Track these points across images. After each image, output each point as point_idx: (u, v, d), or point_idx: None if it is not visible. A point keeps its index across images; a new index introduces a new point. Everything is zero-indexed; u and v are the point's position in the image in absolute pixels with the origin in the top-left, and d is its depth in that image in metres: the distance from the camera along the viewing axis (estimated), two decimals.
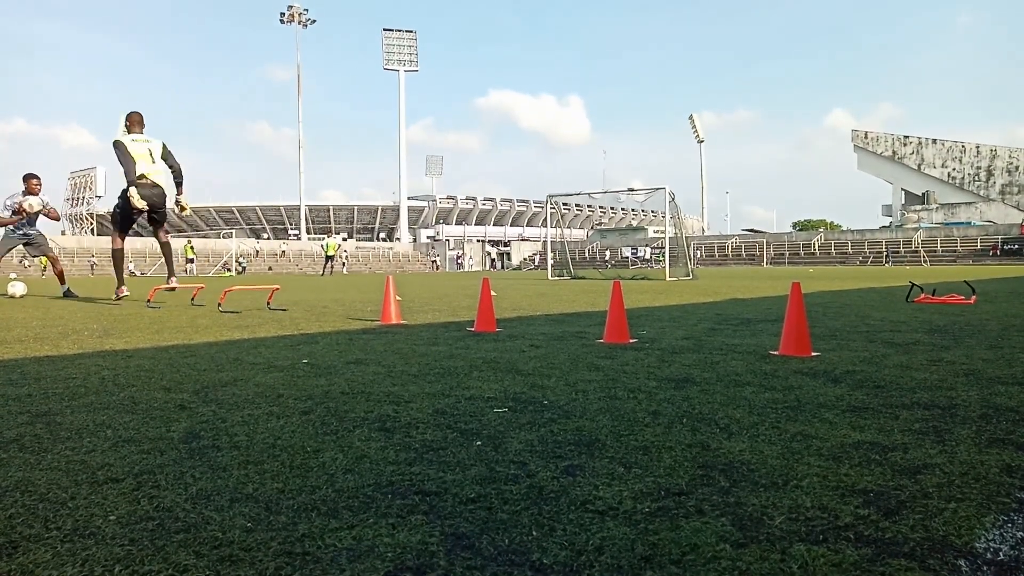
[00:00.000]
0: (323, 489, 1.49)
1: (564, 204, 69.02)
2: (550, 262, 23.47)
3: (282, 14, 74.65)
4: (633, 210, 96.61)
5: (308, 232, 77.05)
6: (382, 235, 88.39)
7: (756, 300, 8.23)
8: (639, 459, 1.70)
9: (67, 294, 9.75)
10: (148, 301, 8.18)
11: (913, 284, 8.41)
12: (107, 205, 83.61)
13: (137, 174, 7.26)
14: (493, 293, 8.19)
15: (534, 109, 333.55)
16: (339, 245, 40.97)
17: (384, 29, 79.51)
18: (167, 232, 8.17)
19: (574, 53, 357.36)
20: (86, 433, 1.98)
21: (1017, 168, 67.69)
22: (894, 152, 75.25)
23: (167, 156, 7.60)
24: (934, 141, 73.21)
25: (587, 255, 57.16)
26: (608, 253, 58.74)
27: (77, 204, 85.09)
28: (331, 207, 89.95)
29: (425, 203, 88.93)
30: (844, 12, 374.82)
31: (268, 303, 7.31)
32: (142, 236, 40.36)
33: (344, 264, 46.01)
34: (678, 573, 1.10)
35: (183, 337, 4.49)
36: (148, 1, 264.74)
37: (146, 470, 1.63)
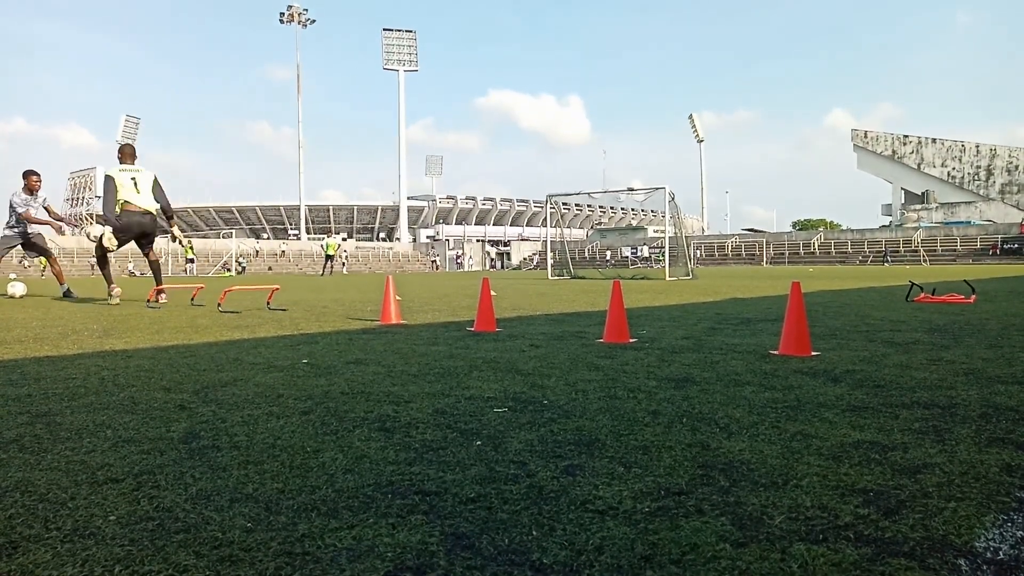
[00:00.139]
0: (323, 489, 1.49)
1: (564, 204, 69.02)
2: (550, 262, 23.47)
3: (282, 14, 74.71)
4: (633, 210, 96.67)
5: (308, 232, 77.05)
6: (382, 235, 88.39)
7: (756, 300, 8.24)
8: (639, 459, 1.70)
9: (66, 294, 9.75)
10: (148, 301, 8.19)
11: (913, 283, 8.41)
12: None
13: (122, 202, 7.77)
14: (493, 293, 8.20)
15: (534, 109, 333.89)
16: (339, 245, 40.96)
17: (384, 29, 79.60)
18: (156, 252, 8.66)
19: (574, 53, 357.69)
20: (86, 433, 1.98)
21: (1017, 167, 67.69)
22: (894, 151, 75.27)
23: (156, 188, 8.07)
24: (934, 140, 73.22)
25: (587, 255, 57.16)
26: (608, 253, 58.76)
27: (77, 204, 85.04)
28: (331, 207, 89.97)
29: (425, 203, 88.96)
30: (844, 12, 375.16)
31: (268, 303, 7.31)
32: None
33: (344, 264, 46.01)
34: (678, 573, 1.10)
35: (183, 337, 4.49)
36: (148, 1, 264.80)
37: (146, 470, 1.63)
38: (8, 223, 9.39)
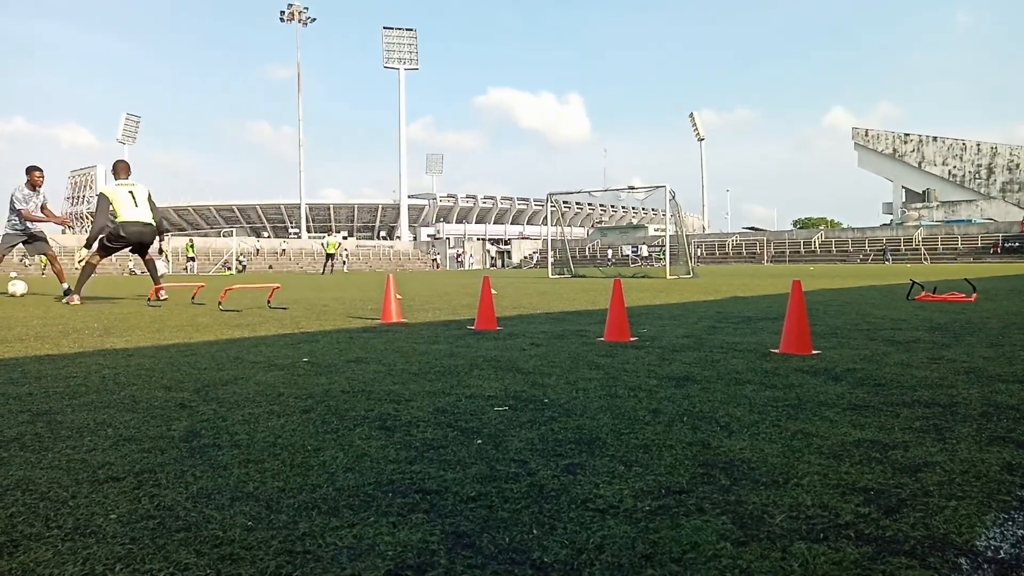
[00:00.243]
0: (324, 488, 1.49)
1: (564, 202, 69.05)
2: (550, 260, 23.46)
3: (282, 12, 74.63)
4: (633, 208, 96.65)
5: (308, 231, 77.07)
6: (382, 233, 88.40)
7: (756, 298, 8.23)
8: (640, 457, 1.70)
9: (67, 293, 9.74)
10: (148, 300, 8.19)
11: (914, 282, 8.40)
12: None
13: (121, 218, 8.23)
14: (493, 291, 8.19)
15: (534, 107, 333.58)
16: (339, 243, 40.98)
17: (384, 27, 79.50)
18: (151, 252, 9.07)
19: (573, 50, 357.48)
20: (87, 432, 1.98)
21: (1018, 166, 67.62)
22: (895, 150, 75.18)
23: (151, 201, 8.55)
24: (935, 139, 73.13)
25: (588, 253, 57.15)
26: (609, 251, 58.74)
27: (77, 203, 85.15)
28: (331, 205, 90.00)
29: (425, 201, 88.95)
30: (843, 11, 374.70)
31: (268, 302, 7.31)
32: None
33: (344, 262, 46.01)
34: (679, 571, 1.10)
35: (184, 336, 4.50)
36: (148, 1, 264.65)
37: (147, 469, 1.63)
38: (9, 219, 9.38)
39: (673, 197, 20.03)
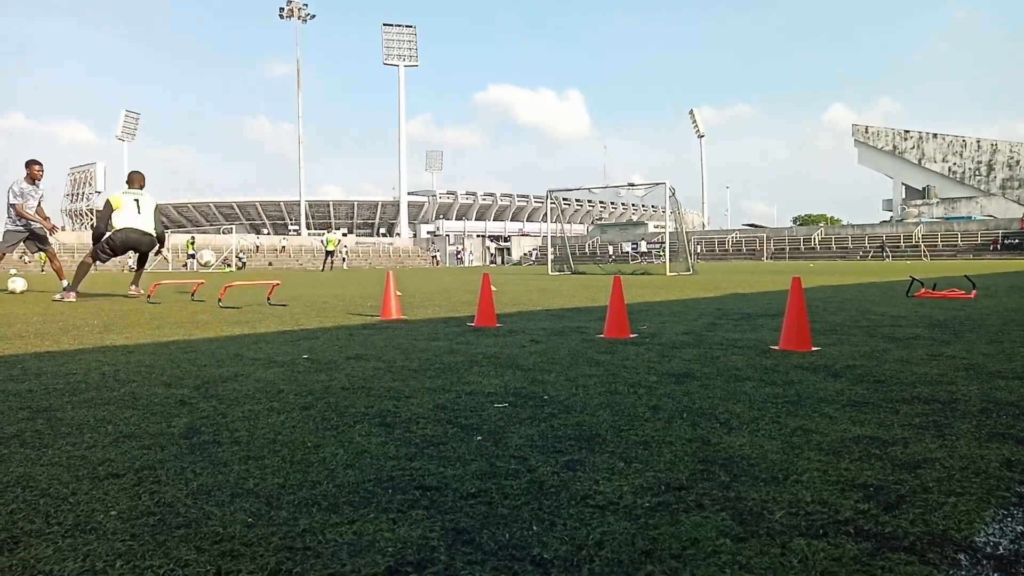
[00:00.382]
0: (324, 484, 1.49)
1: (564, 199, 69.02)
2: (550, 257, 23.46)
3: (281, 9, 74.44)
4: (633, 205, 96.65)
5: (308, 227, 77.03)
6: (382, 230, 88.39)
7: (756, 295, 8.23)
8: (639, 454, 1.70)
9: (66, 290, 9.73)
10: (148, 297, 8.20)
11: (913, 279, 8.40)
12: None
13: (120, 225, 8.46)
14: (493, 288, 8.19)
15: (533, 104, 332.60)
16: (339, 240, 40.99)
17: (384, 24, 79.30)
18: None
19: (573, 46, 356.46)
20: (87, 429, 1.98)
21: (1018, 163, 67.55)
22: (895, 147, 75.09)
23: (156, 213, 8.83)
24: (935, 136, 73.02)
25: (587, 250, 57.15)
26: (610, 248, 58.72)
27: (77, 200, 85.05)
28: (331, 202, 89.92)
29: (425, 198, 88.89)
30: (843, 8, 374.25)
31: (268, 299, 7.31)
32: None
33: (344, 259, 46.01)
34: (678, 567, 1.10)
35: (183, 333, 4.50)
36: None
37: (147, 465, 1.63)
38: (9, 216, 9.35)
39: (673, 194, 20.01)
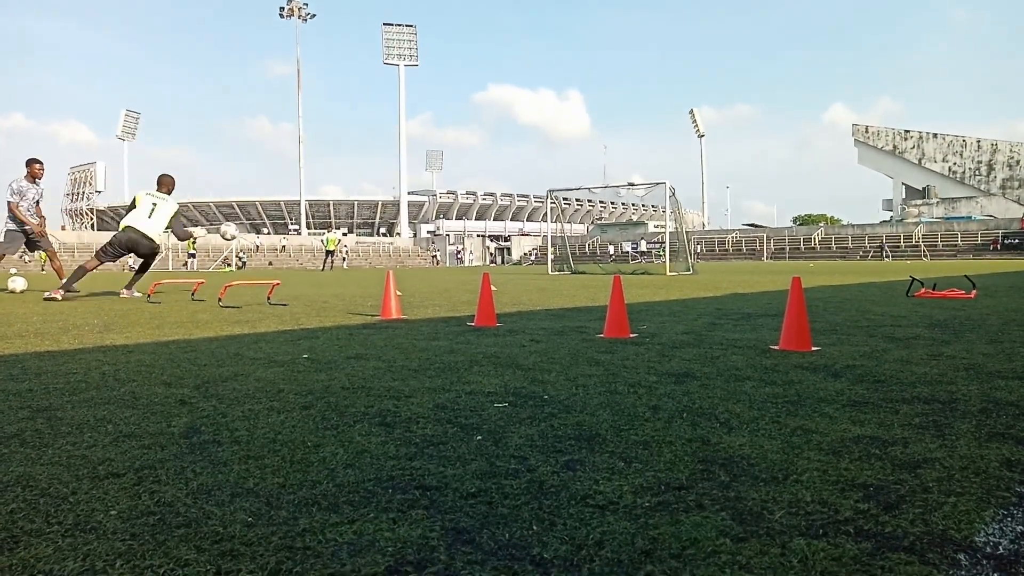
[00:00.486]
0: (324, 484, 1.49)
1: (564, 199, 69.04)
2: (550, 257, 23.46)
3: (281, 8, 74.38)
4: (633, 205, 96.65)
5: (308, 227, 77.01)
6: (382, 230, 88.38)
7: (756, 295, 8.23)
8: (639, 454, 1.70)
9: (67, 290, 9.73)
10: (148, 296, 8.20)
11: (913, 279, 8.40)
12: (107, 200, 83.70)
13: (127, 223, 8.57)
14: (493, 288, 8.19)
15: (533, 104, 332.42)
16: (339, 240, 40.95)
17: (384, 23, 79.28)
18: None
19: (573, 47, 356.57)
20: (87, 428, 1.98)
21: (1018, 163, 67.52)
22: (895, 147, 75.08)
23: (174, 218, 8.83)
24: (935, 135, 73.00)
25: (587, 250, 57.15)
26: (610, 248, 58.71)
27: (77, 199, 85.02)
28: (331, 202, 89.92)
29: (425, 198, 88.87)
30: (843, 8, 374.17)
31: (268, 298, 7.31)
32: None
33: (344, 259, 46.03)
34: (678, 567, 1.10)
35: (183, 332, 4.50)
36: None
37: (147, 465, 1.63)
38: (9, 216, 9.33)
39: (673, 194, 20.01)
